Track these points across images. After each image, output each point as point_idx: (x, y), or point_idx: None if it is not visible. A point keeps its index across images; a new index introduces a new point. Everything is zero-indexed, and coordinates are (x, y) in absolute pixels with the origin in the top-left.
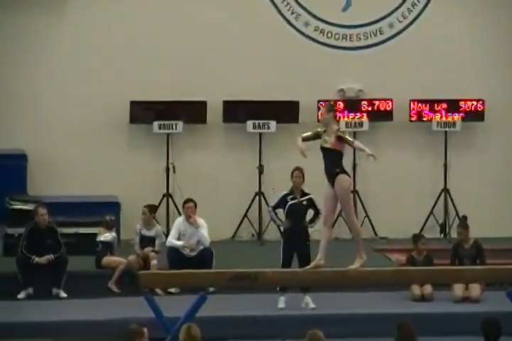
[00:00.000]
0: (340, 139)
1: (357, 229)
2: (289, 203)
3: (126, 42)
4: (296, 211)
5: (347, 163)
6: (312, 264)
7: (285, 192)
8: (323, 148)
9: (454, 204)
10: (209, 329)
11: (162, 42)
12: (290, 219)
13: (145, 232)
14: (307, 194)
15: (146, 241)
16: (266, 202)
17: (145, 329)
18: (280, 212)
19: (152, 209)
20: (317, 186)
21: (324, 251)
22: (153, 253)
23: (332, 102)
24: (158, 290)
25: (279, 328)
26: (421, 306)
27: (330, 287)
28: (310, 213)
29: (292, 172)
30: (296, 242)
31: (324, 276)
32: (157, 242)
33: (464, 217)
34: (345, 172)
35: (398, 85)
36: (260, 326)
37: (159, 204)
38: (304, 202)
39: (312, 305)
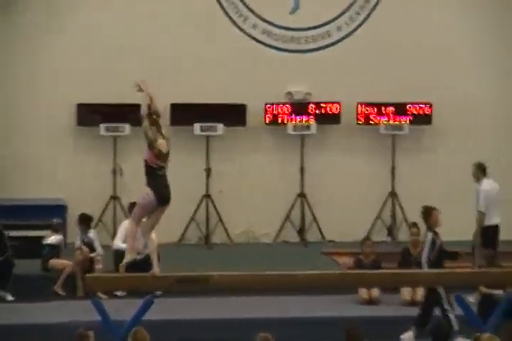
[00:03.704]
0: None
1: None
2: None
3: (76, 42)
4: None
5: (294, 165)
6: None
7: None
8: None
9: (401, 208)
10: (156, 333)
11: (112, 42)
12: None
13: (84, 237)
14: None
15: (87, 246)
16: (213, 205)
17: (91, 333)
18: None
19: (82, 220)
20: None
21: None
22: (98, 258)
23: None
24: (100, 294)
25: (227, 331)
26: (368, 309)
27: (277, 290)
28: None
29: None
30: None
31: (271, 280)
32: (96, 244)
33: (412, 223)
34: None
35: (346, 88)
36: (207, 329)
37: (106, 206)
38: None
39: None
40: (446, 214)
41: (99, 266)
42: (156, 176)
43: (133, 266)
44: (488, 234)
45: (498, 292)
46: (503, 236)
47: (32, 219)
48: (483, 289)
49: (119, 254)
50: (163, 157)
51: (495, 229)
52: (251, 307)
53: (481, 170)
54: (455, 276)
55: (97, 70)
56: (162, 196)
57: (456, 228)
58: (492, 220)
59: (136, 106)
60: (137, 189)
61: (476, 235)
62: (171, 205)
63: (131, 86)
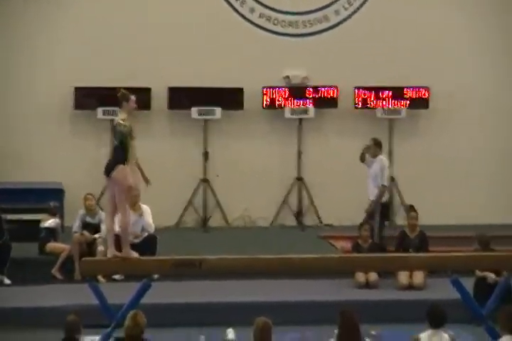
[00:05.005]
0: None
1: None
2: None
3: (72, 28)
4: None
5: (292, 149)
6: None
7: None
8: None
9: (399, 191)
10: (154, 316)
11: (107, 29)
12: None
13: (89, 219)
14: None
15: (91, 228)
16: (211, 188)
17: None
18: None
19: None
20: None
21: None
22: (100, 240)
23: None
24: (100, 278)
25: (225, 315)
26: (365, 293)
27: (274, 274)
28: None
29: None
30: None
31: (268, 263)
32: (103, 228)
33: (410, 206)
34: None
35: (343, 72)
36: (205, 313)
37: (104, 190)
38: None
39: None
40: (443, 197)
41: (100, 248)
42: None
43: (132, 249)
44: (383, 209)
45: (492, 275)
46: (450, 221)
47: (29, 202)
48: (478, 272)
49: (117, 238)
50: None
51: (388, 204)
52: (248, 291)
53: (379, 147)
54: (451, 260)
55: (94, 54)
56: None
57: (453, 212)
58: (386, 196)
59: (133, 90)
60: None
61: (373, 209)
62: (167, 189)
63: (129, 70)
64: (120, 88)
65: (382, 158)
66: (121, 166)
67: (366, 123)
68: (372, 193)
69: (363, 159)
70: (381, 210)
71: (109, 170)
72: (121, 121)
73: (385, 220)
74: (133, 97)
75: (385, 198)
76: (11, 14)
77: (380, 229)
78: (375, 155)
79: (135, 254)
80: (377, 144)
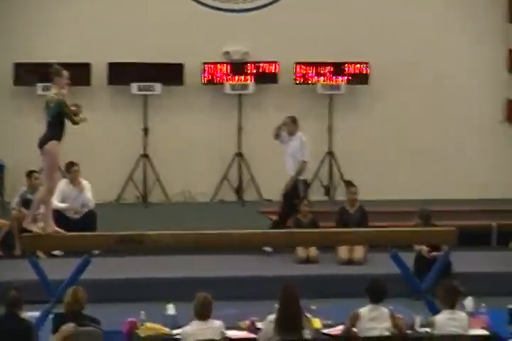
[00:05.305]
0: None
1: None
2: None
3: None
4: None
5: (232, 125)
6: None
7: None
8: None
9: (338, 167)
10: (93, 292)
11: (46, 3)
12: None
13: (30, 196)
14: None
15: (25, 203)
16: (150, 163)
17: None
18: None
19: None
20: None
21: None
22: (39, 216)
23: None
24: (39, 254)
25: (165, 290)
26: (306, 268)
27: (214, 249)
28: None
29: None
30: None
31: (208, 239)
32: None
33: (349, 182)
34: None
35: (284, 48)
36: (145, 288)
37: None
38: None
39: None
40: (379, 173)
41: (40, 224)
42: None
43: (71, 225)
44: (304, 186)
45: (425, 248)
46: (389, 196)
47: None
48: (418, 247)
49: (57, 214)
50: None
51: (308, 182)
52: (188, 267)
53: (296, 124)
54: (390, 235)
55: (33, 28)
56: None
57: (393, 187)
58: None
59: (73, 66)
60: (73, 149)
61: (293, 183)
62: (107, 165)
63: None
64: (53, 63)
65: (301, 135)
66: (53, 141)
67: (306, 99)
68: (292, 169)
69: (277, 136)
70: (303, 187)
71: (42, 144)
72: (54, 96)
73: (304, 197)
74: (65, 72)
75: (306, 175)
76: (10, 14)
77: (295, 205)
78: (293, 133)
79: (35, 227)
80: (294, 121)
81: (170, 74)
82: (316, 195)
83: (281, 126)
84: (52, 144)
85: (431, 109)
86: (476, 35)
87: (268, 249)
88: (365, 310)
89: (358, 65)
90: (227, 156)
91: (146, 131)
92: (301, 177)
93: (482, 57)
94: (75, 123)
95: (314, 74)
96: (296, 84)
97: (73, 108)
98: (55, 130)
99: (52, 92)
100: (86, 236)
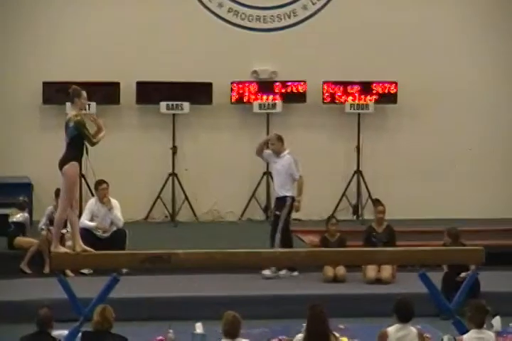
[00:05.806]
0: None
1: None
2: None
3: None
4: None
5: (253, 144)
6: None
7: None
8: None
9: (366, 186)
10: (122, 311)
11: (74, 23)
12: None
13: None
14: None
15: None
16: (179, 183)
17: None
18: None
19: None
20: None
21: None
22: (68, 234)
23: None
24: (68, 272)
25: (193, 309)
26: (333, 287)
27: (242, 268)
28: None
29: None
30: None
31: (238, 258)
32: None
33: (377, 200)
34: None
35: (312, 67)
36: (174, 307)
37: None
38: None
39: None
40: (407, 193)
41: (69, 243)
42: None
43: (100, 244)
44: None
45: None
46: (417, 215)
47: None
48: (446, 267)
49: (86, 232)
50: None
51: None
52: (217, 285)
53: (282, 142)
54: (418, 254)
55: (59, 49)
56: None
57: (421, 206)
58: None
59: (102, 85)
60: (103, 167)
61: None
62: (136, 184)
63: (98, 64)
64: (72, 84)
65: (289, 153)
66: (72, 162)
67: (334, 118)
68: (280, 187)
69: (260, 152)
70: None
71: (62, 165)
72: (73, 117)
73: (288, 213)
74: (84, 93)
75: (293, 192)
76: (40, 33)
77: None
78: (279, 152)
79: (64, 249)
80: (280, 139)
81: (198, 93)
82: (345, 214)
83: (266, 142)
84: (71, 165)
85: (460, 128)
86: (508, 55)
87: (267, 272)
88: (392, 330)
89: (387, 84)
90: (256, 175)
91: (174, 149)
92: (289, 194)
93: None
94: (93, 144)
95: (342, 93)
96: (324, 103)
97: (91, 119)
98: (74, 151)
99: (72, 113)
100: (114, 254)
